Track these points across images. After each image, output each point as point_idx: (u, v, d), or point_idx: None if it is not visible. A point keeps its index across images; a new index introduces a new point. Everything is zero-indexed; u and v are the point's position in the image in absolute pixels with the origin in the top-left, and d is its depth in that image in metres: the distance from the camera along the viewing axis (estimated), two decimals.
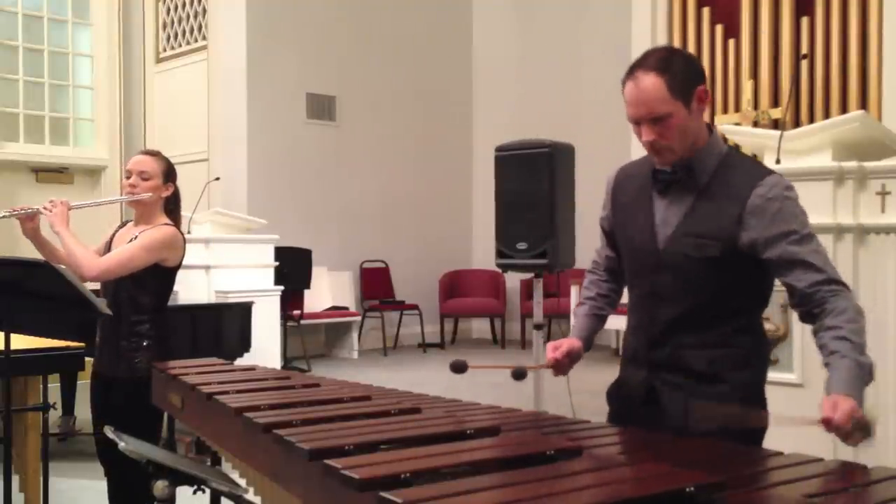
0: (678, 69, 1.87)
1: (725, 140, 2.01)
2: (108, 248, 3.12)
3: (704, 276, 1.92)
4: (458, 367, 2.14)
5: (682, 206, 1.95)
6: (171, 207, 3.15)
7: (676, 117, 1.88)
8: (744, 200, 1.88)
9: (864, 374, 1.75)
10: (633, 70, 1.90)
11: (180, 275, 3.17)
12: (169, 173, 3.12)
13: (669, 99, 1.86)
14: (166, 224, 3.08)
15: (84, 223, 3.12)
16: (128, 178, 3.09)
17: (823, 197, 3.21)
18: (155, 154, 3.15)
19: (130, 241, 3.02)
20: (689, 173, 1.94)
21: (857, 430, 1.65)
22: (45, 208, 2.98)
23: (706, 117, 1.99)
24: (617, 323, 2.56)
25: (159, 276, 3.04)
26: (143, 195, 3.04)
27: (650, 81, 1.86)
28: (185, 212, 6.47)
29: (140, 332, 3.01)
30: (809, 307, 1.85)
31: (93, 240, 3.14)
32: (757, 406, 1.96)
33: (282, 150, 8.69)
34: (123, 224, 3.22)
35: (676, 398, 1.96)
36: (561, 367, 2.12)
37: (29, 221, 3.01)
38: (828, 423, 1.65)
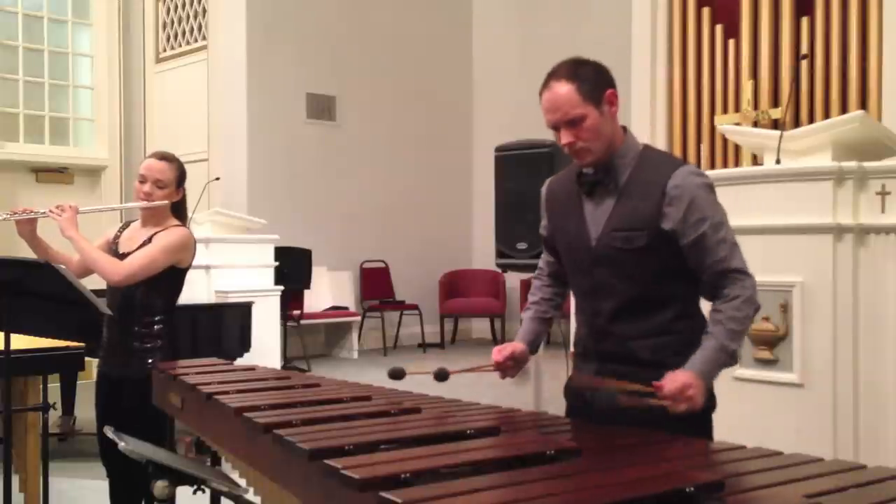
0: (587, 76, 2.04)
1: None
2: (110, 248, 3.12)
3: (637, 266, 2.05)
4: (396, 374, 2.23)
5: (608, 204, 2.10)
6: (178, 207, 3.16)
7: (589, 119, 2.03)
8: (661, 191, 2.02)
9: (726, 357, 1.96)
10: (547, 80, 2.08)
11: None
12: (181, 178, 3.12)
13: (581, 102, 2.02)
14: (178, 225, 3.09)
15: (86, 223, 3.10)
16: (142, 182, 3.06)
17: (823, 197, 3.21)
18: (170, 159, 3.12)
19: (143, 242, 3.02)
20: (610, 173, 2.09)
21: (683, 402, 1.86)
22: (52, 212, 2.96)
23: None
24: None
25: (172, 277, 3.05)
26: (154, 203, 3.04)
27: (562, 88, 2.04)
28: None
29: (153, 332, 3.03)
30: (711, 292, 2.04)
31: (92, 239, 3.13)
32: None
33: (282, 150, 8.69)
34: (126, 224, 3.21)
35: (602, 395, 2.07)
36: (505, 369, 2.23)
37: (28, 223, 3.01)
38: (659, 390, 1.88)
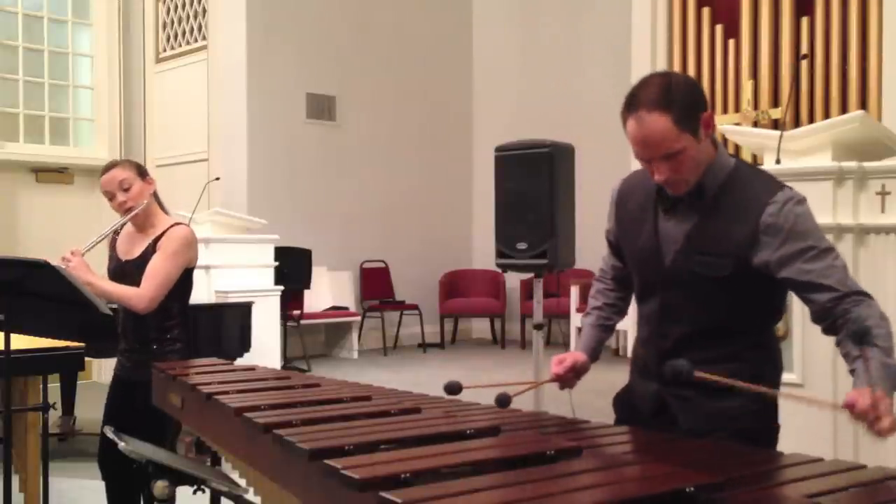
0: (681, 101, 1.81)
1: (738, 151, 2.00)
2: (110, 258, 3.12)
3: (715, 295, 1.89)
4: (453, 389, 2.08)
5: (688, 222, 1.91)
6: (157, 198, 3.14)
7: (689, 150, 1.82)
8: (756, 219, 1.84)
9: (892, 374, 1.70)
10: (634, 106, 1.83)
11: None
12: (140, 169, 3.10)
13: (679, 135, 1.80)
14: (175, 224, 3.08)
15: (86, 227, 3.09)
16: (111, 198, 3.03)
17: (823, 197, 3.21)
18: (117, 163, 3.11)
19: (146, 249, 3.01)
20: (697, 190, 1.90)
21: (885, 416, 1.58)
22: (63, 264, 2.92)
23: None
24: (619, 324, 2.57)
25: (183, 278, 3.05)
26: (139, 206, 3.02)
27: (656, 121, 1.79)
28: (185, 212, 6.50)
29: (171, 336, 3.04)
30: (831, 320, 1.82)
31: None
32: (769, 419, 1.95)
33: (282, 150, 8.69)
34: (117, 231, 3.18)
35: (687, 408, 1.95)
36: (565, 381, 2.12)
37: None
38: (851, 407, 1.61)
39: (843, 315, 1.79)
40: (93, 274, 2.93)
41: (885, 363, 1.69)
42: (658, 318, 1.99)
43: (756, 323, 1.95)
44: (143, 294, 2.94)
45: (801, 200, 1.87)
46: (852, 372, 1.73)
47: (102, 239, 3.11)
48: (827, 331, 1.85)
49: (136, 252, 3.05)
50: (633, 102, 1.83)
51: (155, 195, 3.12)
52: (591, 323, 2.22)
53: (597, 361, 2.21)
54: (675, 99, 1.80)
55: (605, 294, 2.24)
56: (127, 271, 3.03)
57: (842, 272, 1.83)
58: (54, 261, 2.80)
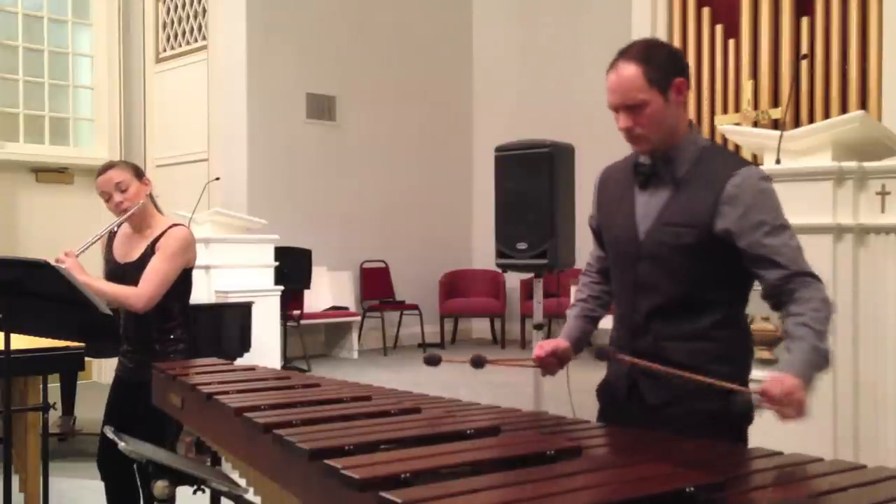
0: (658, 60, 1.94)
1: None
2: (106, 261, 3.11)
3: (682, 265, 1.96)
4: (432, 360, 2.16)
5: (662, 197, 2.00)
6: (153, 200, 3.14)
7: (652, 106, 1.93)
8: (719, 189, 1.91)
9: (820, 359, 1.82)
10: (616, 59, 1.98)
11: None
12: (136, 170, 3.11)
13: (646, 88, 1.92)
14: (173, 225, 3.08)
15: (86, 227, 3.09)
16: (107, 199, 3.03)
17: (823, 197, 3.21)
18: (113, 164, 3.11)
19: (145, 251, 3.01)
20: (668, 166, 1.99)
21: (790, 407, 1.73)
22: (57, 263, 2.92)
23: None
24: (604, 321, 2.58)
25: (182, 279, 3.06)
26: (135, 206, 3.02)
27: (629, 70, 1.94)
28: (185, 212, 6.49)
29: (174, 337, 3.04)
30: (778, 297, 1.91)
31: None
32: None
33: (282, 150, 8.69)
34: (113, 233, 3.17)
35: (655, 385, 1.99)
36: (547, 365, 2.15)
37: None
38: (766, 395, 1.74)
39: (789, 294, 1.88)
40: (87, 275, 2.93)
41: (815, 347, 1.81)
42: (630, 293, 2.06)
43: (724, 299, 1.99)
44: (140, 293, 2.94)
45: (766, 177, 1.96)
46: (787, 350, 1.85)
47: (97, 240, 3.12)
48: (774, 307, 1.94)
49: (135, 254, 3.05)
50: (617, 56, 1.99)
51: (151, 197, 3.12)
52: (575, 314, 2.27)
53: (580, 353, 2.24)
54: (651, 55, 1.95)
55: (589, 287, 2.29)
56: (126, 274, 3.03)
57: (794, 251, 1.91)
58: (53, 261, 2.81)
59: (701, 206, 1.93)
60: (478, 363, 2.11)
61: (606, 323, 2.25)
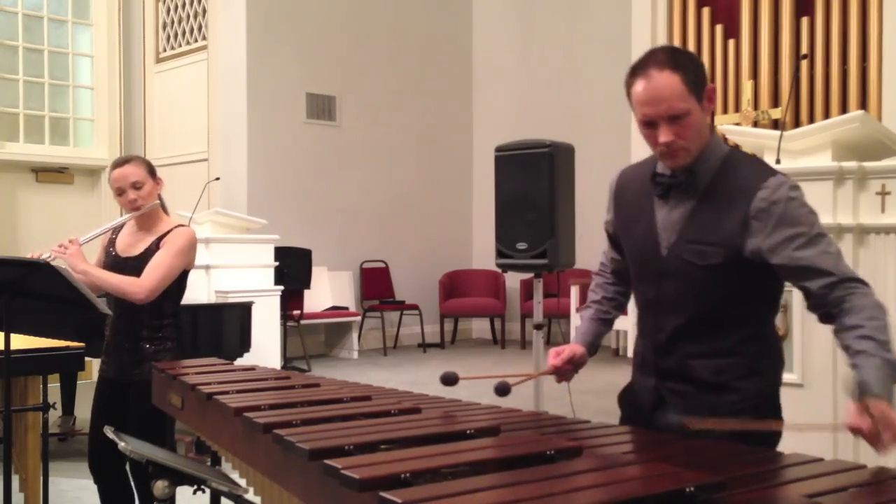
0: (689, 66, 1.81)
1: (725, 140, 1.98)
2: (107, 253, 3.11)
3: (709, 284, 1.86)
4: (449, 380, 2.08)
5: (684, 210, 1.89)
6: (160, 199, 3.15)
7: (694, 115, 1.80)
8: (747, 204, 1.80)
9: (893, 372, 1.65)
10: (643, 68, 1.81)
11: None
12: (151, 169, 3.11)
13: (686, 95, 1.78)
14: (179, 225, 3.09)
15: (86, 227, 3.09)
16: (121, 194, 3.04)
17: (823, 197, 3.21)
18: (131, 159, 3.10)
19: (150, 246, 3.01)
20: (690, 176, 1.87)
21: (888, 432, 1.56)
22: (56, 252, 2.93)
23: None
24: (619, 324, 2.56)
25: (179, 278, 3.05)
26: (147, 206, 3.03)
27: (667, 78, 1.78)
28: (185, 212, 6.49)
29: (163, 335, 3.03)
30: (826, 309, 1.77)
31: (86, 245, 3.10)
32: (770, 414, 1.91)
33: (282, 150, 8.70)
34: (117, 229, 3.18)
35: (683, 403, 1.91)
36: (563, 373, 2.09)
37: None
38: (858, 432, 1.58)
39: (838, 304, 1.74)
40: (88, 263, 2.93)
41: (885, 359, 1.65)
42: (653, 309, 1.96)
43: (752, 314, 1.91)
44: (143, 284, 2.93)
45: (795, 186, 1.83)
46: (853, 366, 1.68)
47: (104, 232, 3.12)
48: (823, 319, 1.81)
49: (138, 249, 3.05)
50: (641, 66, 1.82)
51: (159, 196, 3.13)
52: (589, 316, 2.19)
53: (595, 356, 2.18)
54: (682, 62, 1.81)
55: (604, 288, 2.21)
56: (126, 267, 3.02)
57: (835, 258, 1.79)
58: (54, 260, 2.81)
59: (728, 223, 1.82)
60: (503, 391, 2.02)
61: (620, 323, 2.22)
